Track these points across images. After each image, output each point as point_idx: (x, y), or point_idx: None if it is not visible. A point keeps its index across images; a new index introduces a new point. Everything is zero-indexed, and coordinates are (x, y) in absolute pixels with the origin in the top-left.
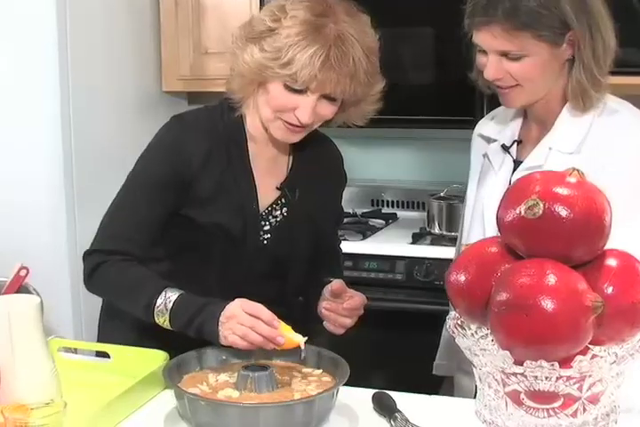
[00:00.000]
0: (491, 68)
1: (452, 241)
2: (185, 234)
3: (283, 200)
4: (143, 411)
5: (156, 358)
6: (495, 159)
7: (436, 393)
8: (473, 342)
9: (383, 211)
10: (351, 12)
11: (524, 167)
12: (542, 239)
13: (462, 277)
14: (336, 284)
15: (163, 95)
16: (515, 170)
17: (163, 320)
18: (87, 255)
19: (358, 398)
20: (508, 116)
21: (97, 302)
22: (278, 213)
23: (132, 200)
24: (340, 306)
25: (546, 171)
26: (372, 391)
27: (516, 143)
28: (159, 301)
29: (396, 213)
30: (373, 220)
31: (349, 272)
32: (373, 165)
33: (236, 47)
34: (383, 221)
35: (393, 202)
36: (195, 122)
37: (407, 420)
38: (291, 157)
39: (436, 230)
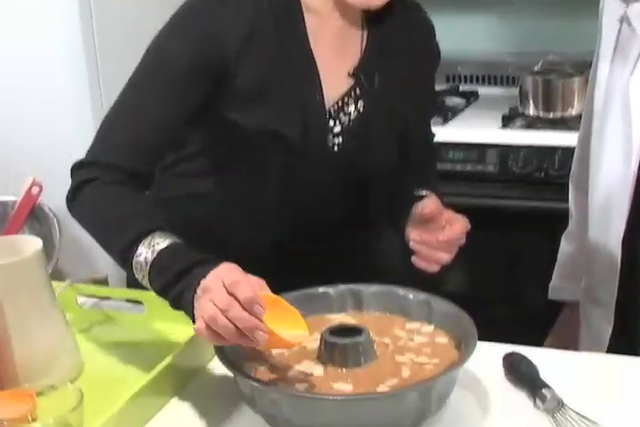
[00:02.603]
0: None
1: (551, 124)
2: (231, 141)
3: (357, 91)
4: (189, 389)
5: None
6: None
7: (551, 323)
8: None
9: (461, 88)
10: None
11: None
12: None
13: None
14: (429, 206)
15: None
16: None
17: (141, 277)
18: (75, 169)
19: (482, 359)
20: None
21: None
22: (352, 108)
23: (141, 97)
24: (435, 237)
25: None
26: (498, 348)
27: None
28: (141, 249)
29: (476, 91)
30: (451, 99)
31: None
32: (446, 33)
33: None
34: (463, 101)
35: (471, 77)
36: None
37: (561, 401)
38: (365, 32)
39: (531, 111)
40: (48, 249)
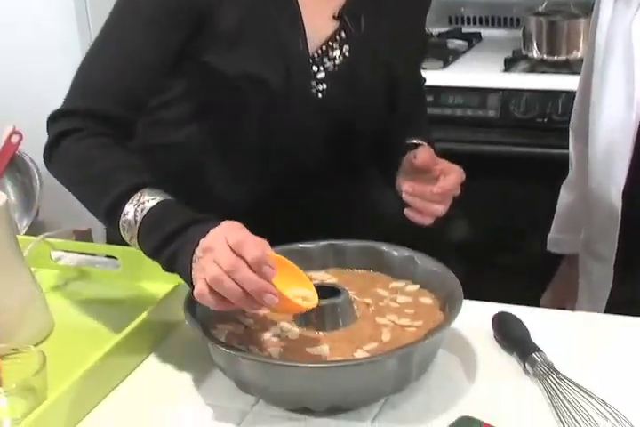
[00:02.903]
0: None
1: (555, 67)
2: (210, 87)
3: (342, 34)
4: (163, 348)
5: None
6: None
7: (550, 276)
8: None
9: (464, 30)
10: None
11: None
12: None
13: None
14: (421, 155)
15: None
16: None
17: (129, 237)
18: (51, 121)
19: (470, 319)
20: None
21: None
22: (337, 52)
23: (119, 41)
24: (428, 189)
25: None
26: (488, 307)
27: None
28: (128, 207)
29: (479, 33)
30: (453, 41)
31: (429, 109)
32: None
33: None
34: (465, 43)
35: (474, 18)
36: None
37: (552, 366)
38: None
39: (535, 54)
40: (29, 200)
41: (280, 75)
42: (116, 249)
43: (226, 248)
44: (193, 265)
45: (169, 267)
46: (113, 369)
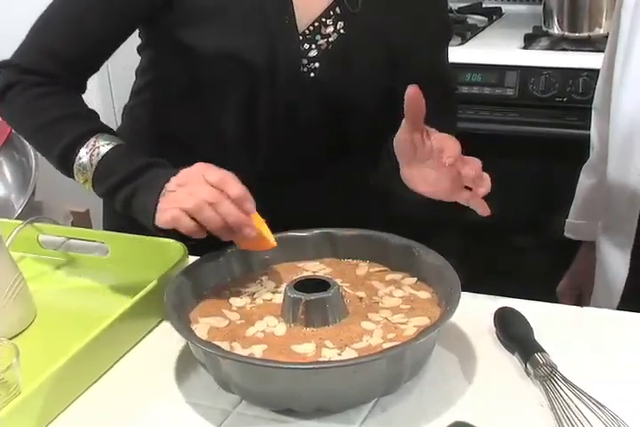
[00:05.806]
0: None
1: (577, 44)
2: (189, 68)
3: (337, 10)
4: (146, 340)
5: (169, 253)
6: None
7: (568, 263)
8: None
9: (484, 5)
10: None
11: None
12: None
13: None
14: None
15: None
16: None
17: (83, 180)
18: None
19: (471, 313)
20: None
21: None
22: (330, 29)
23: (69, 5)
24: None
25: None
26: (490, 301)
27: None
28: (82, 151)
29: (500, 8)
30: (472, 16)
31: None
32: None
33: None
34: (485, 18)
35: None
36: None
37: (555, 368)
38: None
39: (556, 31)
40: (25, 180)
41: (262, 53)
42: (105, 235)
43: (205, 184)
44: (161, 199)
45: (124, 205)
46: (92, 363)
